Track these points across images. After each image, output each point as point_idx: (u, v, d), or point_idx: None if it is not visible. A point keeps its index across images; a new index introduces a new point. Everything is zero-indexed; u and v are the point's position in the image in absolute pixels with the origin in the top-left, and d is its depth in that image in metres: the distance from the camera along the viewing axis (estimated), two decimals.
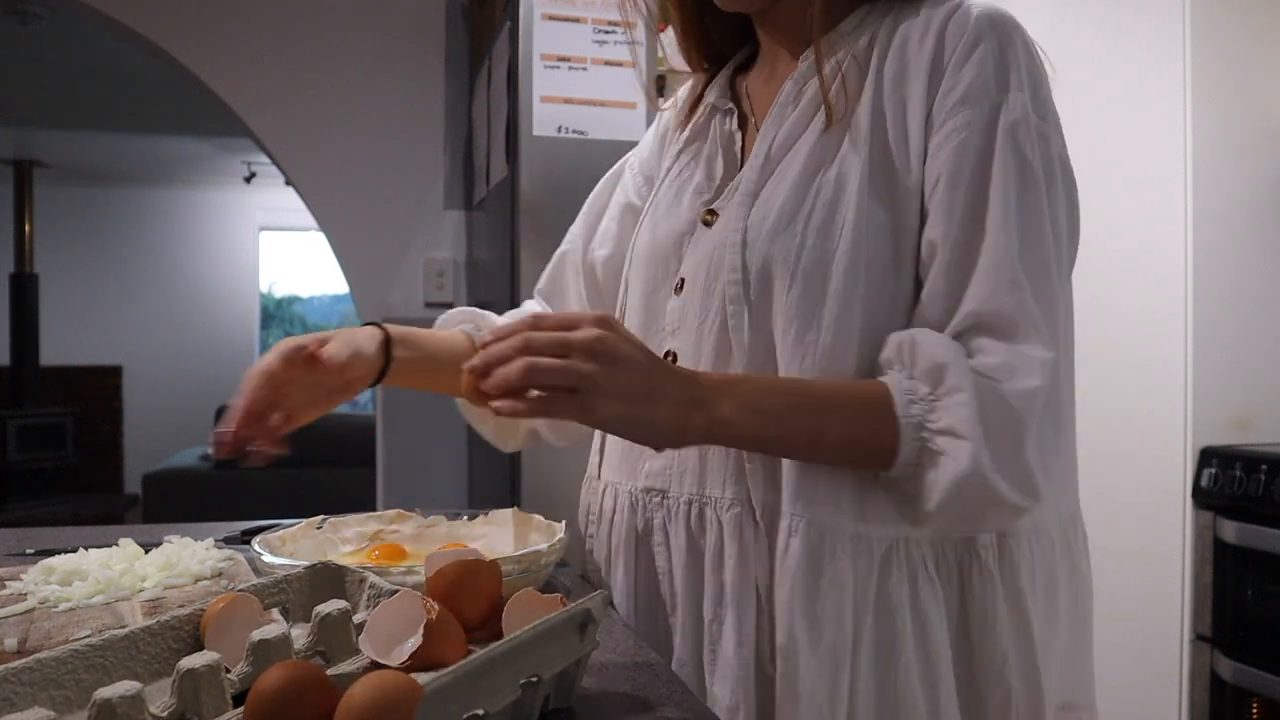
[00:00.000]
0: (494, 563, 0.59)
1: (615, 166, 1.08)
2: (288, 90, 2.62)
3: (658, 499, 0.82)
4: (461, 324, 1.02)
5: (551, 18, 1.98)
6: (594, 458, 0.93)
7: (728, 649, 0.75)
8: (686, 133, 0.92)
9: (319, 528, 0.94)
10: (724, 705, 0.74)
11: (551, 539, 0.86)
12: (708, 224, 0.82)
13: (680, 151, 0.92)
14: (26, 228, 6.41)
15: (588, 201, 1.08)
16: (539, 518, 0.96)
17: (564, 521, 0.93)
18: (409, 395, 2.67)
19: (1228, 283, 2.20)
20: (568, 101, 1.98)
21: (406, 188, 2.68)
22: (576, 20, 1.99)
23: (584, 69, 1.99)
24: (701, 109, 0.92)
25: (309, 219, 2.71)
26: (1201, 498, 2.13)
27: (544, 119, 1.97)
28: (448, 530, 0.98)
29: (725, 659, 0.75)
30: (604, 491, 0.89)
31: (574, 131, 1.98)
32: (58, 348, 6.65)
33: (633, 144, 2.17)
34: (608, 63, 2.00)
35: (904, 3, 0.78)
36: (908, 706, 0.71)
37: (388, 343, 0.91)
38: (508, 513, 0.98)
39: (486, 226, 2.43)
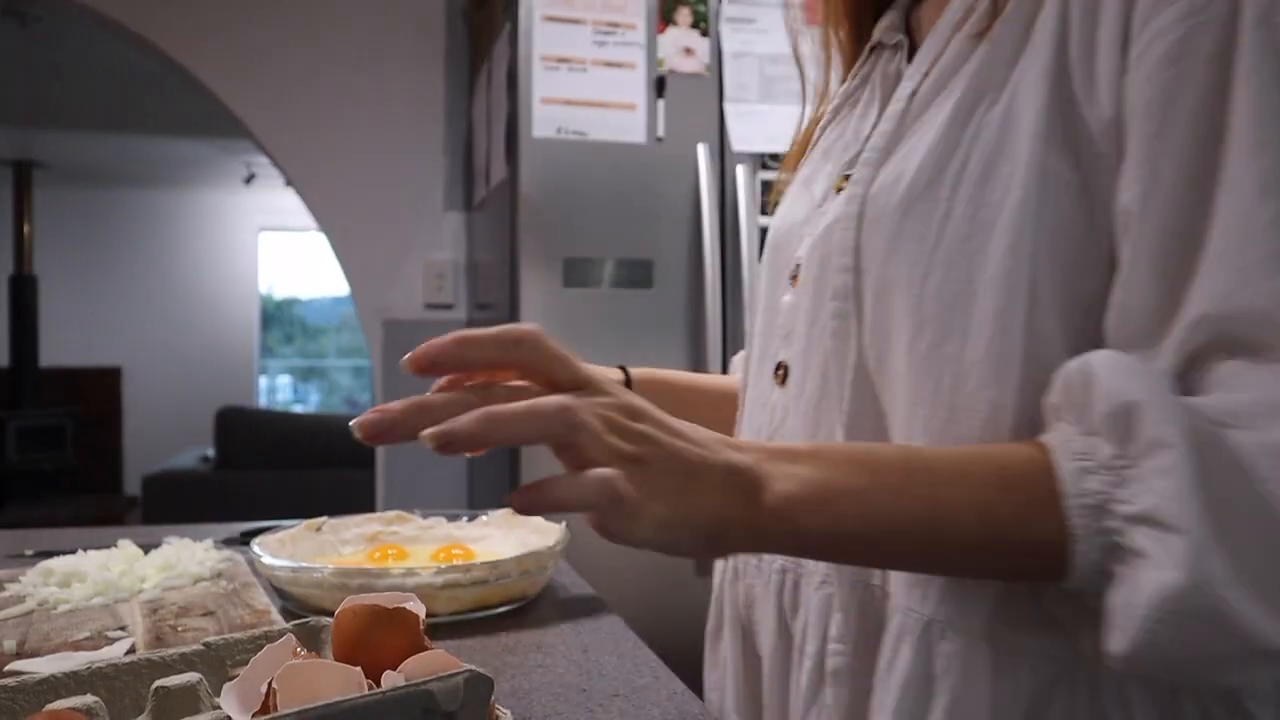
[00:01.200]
0: (412, 613, 0.48)
1: None
2: (288, 91, 2.62)
3: (755, 564, 0.65)
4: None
5: (552, 19, 1.98)
6: None
7: None
8: (848, 83, 0.70)
9: (319, 529, 0.94)
10: None
11: (551, 540, 0.86)
12: (840, 190, 0.61)
13: (838, 106, 0.70)
14: (26, 229, 6.41)
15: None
16: (539, 518, 0.95)
17: (564, 522, 0.93)
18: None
19: None
20: (568, 103, 1.98)
21: (406, 189, 2.68)
22: (576, 22, 1.99)
23: (584, 70, 1.99)
24: (867, 50, 0.69)
25: (309, 220, 2.71)
26: None
27: (544, 120, 1.97)
28: (447, 531, 0.98)
29: None
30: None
31: (574, 133, 1.98)
32: (57, 349, 6.65)
33: (632, 145, 2.17)
34: (608, 64, 2.00)
35: None
36: None
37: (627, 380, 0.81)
38: (507, 513, 0.98)
39: (486, 228, 2.44)
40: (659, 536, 0.45)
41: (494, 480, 2.25)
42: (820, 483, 0.46)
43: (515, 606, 0.81)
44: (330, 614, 0.76)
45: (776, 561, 0.61)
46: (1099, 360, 0.45)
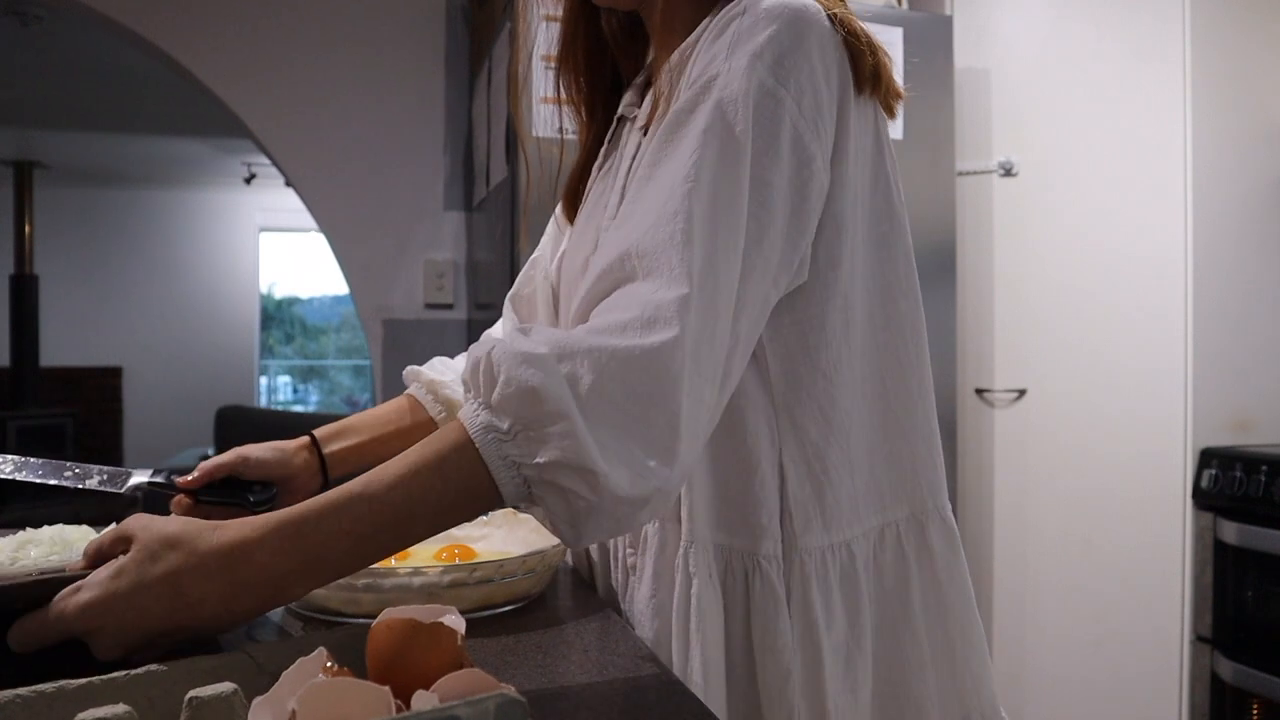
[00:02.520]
0: (449, 628, 0.48)
1: None
2: (287, 91, 2.62)
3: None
4: (414, 384, 1.03)
5: (552, 19, 1.98)
6: None
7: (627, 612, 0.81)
8: (606, 145, 0.90)
9: None
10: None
11: (552, 540, 0.86)
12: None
13: (600, 165, 0.90)
14: (26, 228, 6.40)
15: (557, 209, 1.06)
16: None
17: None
18: None
19: (1228, 283, 2.20)
20: (555, 102, 1.98)
21: (406, 188, 2.68)
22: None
23: None
24: (615, 121, 0.90)
25: (309, 220, 2.71)
26: (1202, 499, 2.13)
27: (544, 120, 1.97)
28: (447, 531, 0.98)
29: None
30: None
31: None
32: (58, 349, 6.65)
33: None
34: None
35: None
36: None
37: (314, 444, 0.95)
38: (508, 513, 0.98)
39: (486, 228, 2.44)
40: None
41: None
42: (292, 534, 0.60)
43: (518, 606, 0.81)
44: (335, 614, 0.76)
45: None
46: (500, 353, 0.59)
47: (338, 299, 8.43)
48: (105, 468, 0.93)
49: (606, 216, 0.78)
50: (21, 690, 0.48)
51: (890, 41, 2.07)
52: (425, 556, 0.90)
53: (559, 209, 0.98)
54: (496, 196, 2.23)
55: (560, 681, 0.65)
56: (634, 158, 0.78)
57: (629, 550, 0.81)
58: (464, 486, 0.59)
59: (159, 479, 0.92)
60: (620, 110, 0.88)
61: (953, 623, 0.78)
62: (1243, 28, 2.22)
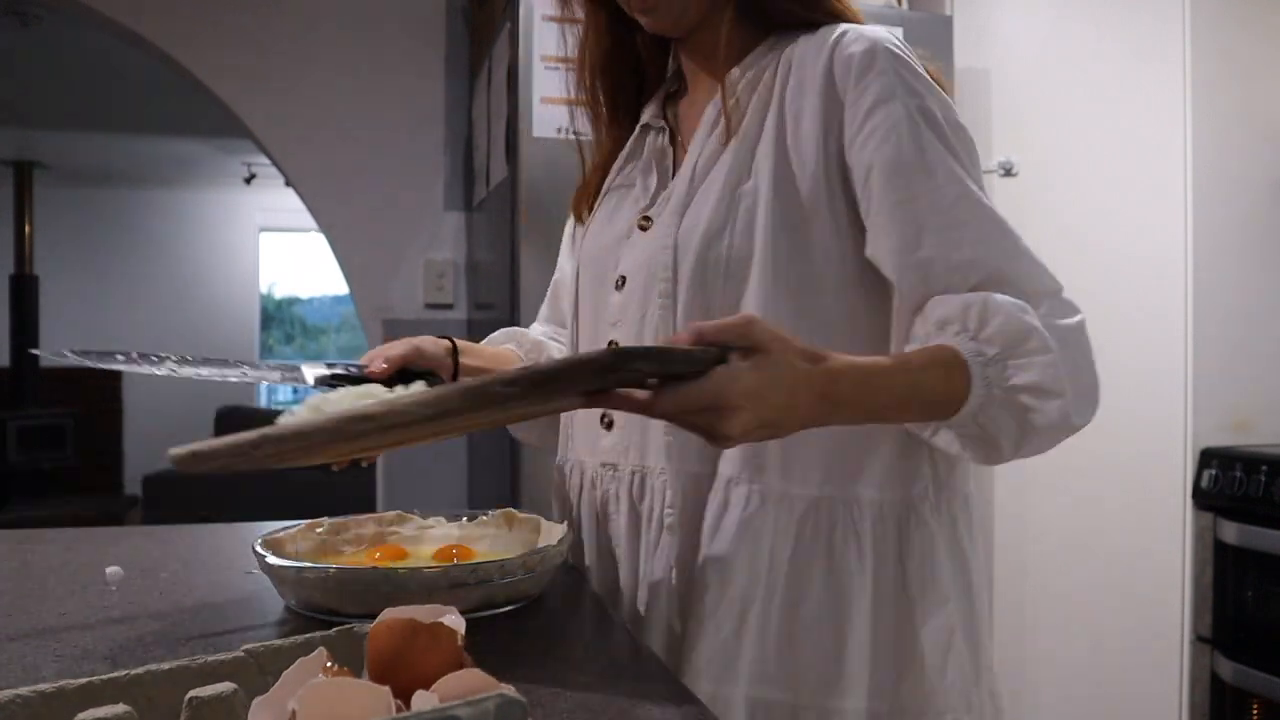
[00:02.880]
0: (449, 628, 0.48)
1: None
2: (288, 91, 2.62)
3: (611, 472, 0.92)
4: (505, 343, 1.15)
5: (552, 19, 1.98)
6: (561, 438, 1.02)
7: (659, 605, 0.85)
8: (626, 149, 1.01)
9: (319, 529, 0.94)
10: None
11: (552, 540, 0.86)
12: (643, 229, 0.92)
13: (620, 167, 1.01)
14: (26, 228, 6.40)
15: (568, 225, 1.15)
16: (539, 518, 0.96)
17: (565, 521, 0.93)
18: None
19: (1228, 283, 2.20)
20: (568, 103, 1.98)
21: (406, 188, 2.68)
22: (577, 22, 1.99)
23: None
24: (638, 129, 1.01)
25: (309, 220, 2.71)
26: (1201, 499, 2.13)
27: (544, 120, 1.97)
28: (447, 531, 0.98)
29: (655, 613, 0.84)
30: (570, 470, 0.99)
31: (574, 133, 1.98)
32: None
33: None
34: None
35: (804, 30, 0.89)
36: (811, 646, 0.80)
37: (454, 350, 1.04)
38: (508, 513, 0.98)
39: (487, 228, 2.44)
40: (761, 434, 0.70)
41: (494, 481, 2.25)
42: (864, 384, 0.73)
43: (518, 606, 0.81)
44: (335, 614, 0.76)
45: (628, 467, 0.89)
46: (996, 300, 0.76)
47: (338, 299, 8.43)
48: (277, 363, 0.99)
49: (669, 211, 0.90)
50: (21, 690, 0.48)
51: None
52: (425, 556, 0.90)
53: (573, 209, 1.09)
54: (496, 196, 2.23)
55: (560, 681, 0.65)
56: (695, 163, 0.90)
57: (668, 510, 0.86)
58: (949, 389, 0.75)
59: (338, 369, 0.97)
60: (645, 120, 0.99)
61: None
62: (1243, 28, 2.22)
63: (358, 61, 2.66)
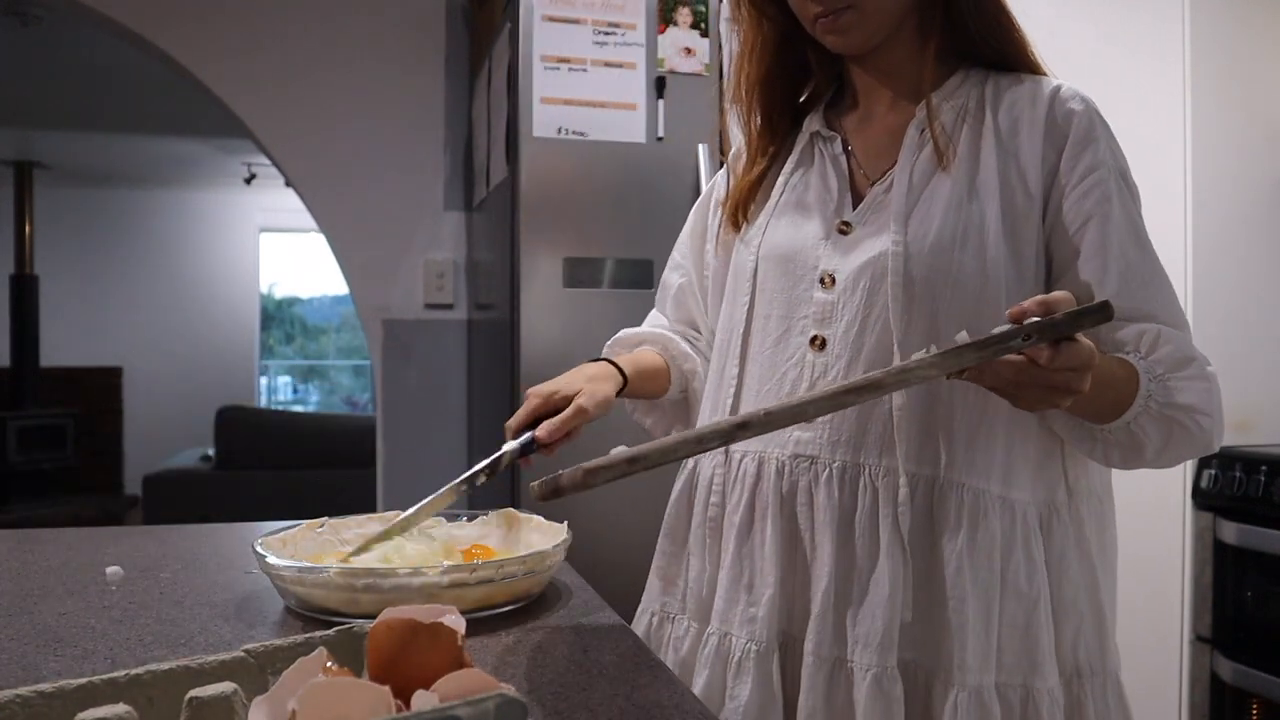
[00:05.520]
0: (449, 628, 0.48)
1: (702, 197, 1.19)
2: (288, 91, 2.62)
3: (806, 464, 0.93)
4: (639, 346, 1.17)
5: (551, 19, 1.98)
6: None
7: (879, 593, 0.87)
8: (795, 156, 1.05)
9: (320, 529, 0.94)
10: (868, 634, 0.87)
11: (552, 540, 0.86)
12: (843, 232, 0.96)
13: (791, 171, 1.05)
14: (26, 228, 6.40)
15: (685, 233, 1.18)
16: (539, 518, 0.96)
17: (565, 522, 0.93)
18: (409, 397, 2.67)
19: (1228, 283, 2.20)
20: (568, 103, 1.98)
21: (406, 188, 2.68)
22: (576, 22, 1.99)
23: (584, 70, 1.99)
24: (803, 137, 1.05)
25: (309, 220, 2.71)
26: (1201, 499, 2.13)
27: (544, 120, 1.97)
28: (447, 531, 0.99)
29: (875, 601, 0.87)
30: (742, 460, 0.97)
31: (574, 133, 1.99)
32: (58, 349, 6.65)
33: (633, 145, 2.17)
34: (608, 64, 2.00)
35: (999, 72, 0.97)
36: (1035, 633, 0.88)
37: (623, 375, 1.07)
38: (508, 513, 0.98)
39: (487, 228, 2.44)
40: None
41: (494, 481, 2.25)
42: (1097, 380, 0.78)
43: (517, 606, 0.81)
44: (335, 614, 0.76)
45: (836, 460, 0.91)
46: (1166, 332, 0.87)
47: (338, 299, 8.43)
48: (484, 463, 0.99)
49: (889, 219, 0.94)
50: (21, 690, 0.48)
51: None
52: (429, 557, 0.89)
53: (723, 215, 1.10)
54: (496, 196, 2.23)
55: (560, 681, 0.65)
56: (910, 178, 0.94)
57: (900, 507, 0.90)
58: (1122, 394, 0.84)
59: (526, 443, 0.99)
60: (815, 128, 1.03)
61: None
62: (1243, 27, 2.22)
63: (358, 61, 2.66)
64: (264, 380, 7.87)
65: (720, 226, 1.10)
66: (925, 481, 0.89)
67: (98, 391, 6.92)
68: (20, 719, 0.47)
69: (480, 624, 0.77)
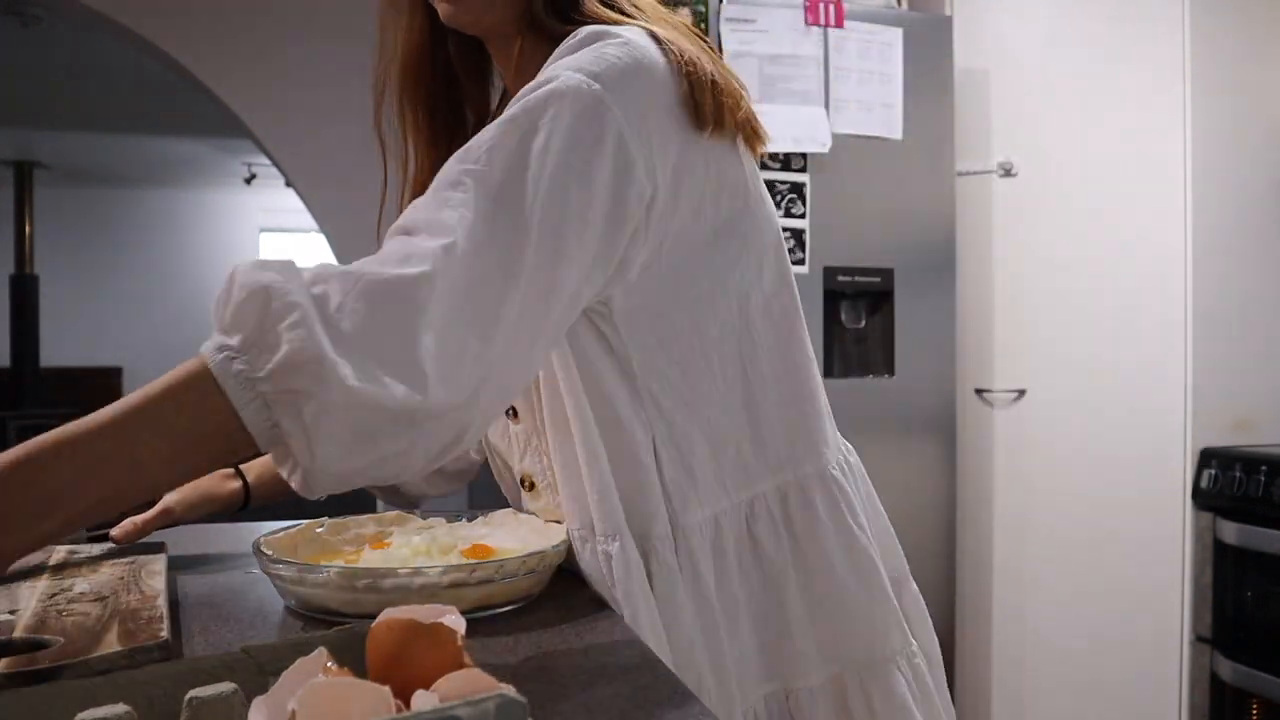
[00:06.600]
0: (449, 628, 0.48)
1: None
2: (288, 91, 2.62)
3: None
4: None
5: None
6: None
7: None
8: None
9: (319, 529, 0.94)
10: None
11: (552, 540, 0.86)
12: None
13: None
14: (26, 229, 6.41)
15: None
16: (538, 519, 0.96)
17: (565, 522, 0.93)
18: None
19: (1228, 283, 2.20)
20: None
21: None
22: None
23: None
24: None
25: (309, 220, 2.71)
26: (1201, 499, 2.13)
27: None
28: (449, 530, 0.98)
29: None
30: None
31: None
32: (58, 349, 6.65)
33: None
34: None
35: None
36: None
37: (240, 475, 1.00)
38: (507, 513, 0.98)
39: None
40: None
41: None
42: (33, 470, 0.56)
43: (517, 606, 0.81)
44: (335, 614, 0.76)
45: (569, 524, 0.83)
46: (240, 268, 0.61)
47: None
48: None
49: None
50: (21, 690, 0.48)
51: (889, 42, 2.07)
52: (435, 555, 0.89)
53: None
54: None
55: (560, 681, 0.65)
56: None
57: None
58: (199, 416, 0.57)
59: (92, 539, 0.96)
60: None
61: (838, 576, 0.82)
62: (1243, 28, 2.22)
63: (358, 62, 2.64)
64: None
65: None
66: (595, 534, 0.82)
67: (98, 391, 6.89)
68: (20, 719, 0.48)
69: (480, 624, 0.77)
